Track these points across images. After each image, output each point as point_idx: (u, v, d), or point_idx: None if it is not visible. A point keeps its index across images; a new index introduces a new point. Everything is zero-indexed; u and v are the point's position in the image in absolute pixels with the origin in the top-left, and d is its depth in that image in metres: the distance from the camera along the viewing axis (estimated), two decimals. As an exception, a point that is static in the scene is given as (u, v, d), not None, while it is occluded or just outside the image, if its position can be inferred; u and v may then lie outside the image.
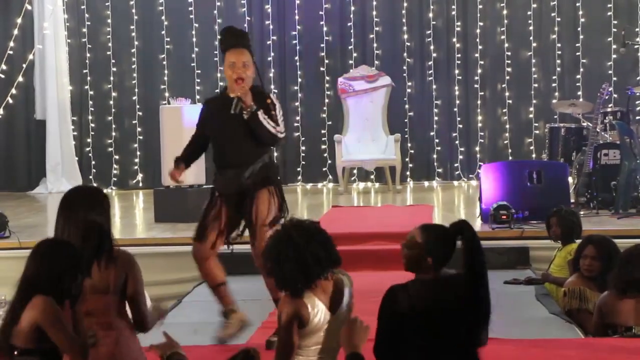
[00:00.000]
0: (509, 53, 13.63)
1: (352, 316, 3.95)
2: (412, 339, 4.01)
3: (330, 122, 13.67)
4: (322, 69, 13.75)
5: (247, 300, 7.52)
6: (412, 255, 4.04)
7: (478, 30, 13.64)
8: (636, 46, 13.16)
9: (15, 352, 3.84)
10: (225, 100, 6.07)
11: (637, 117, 12.78)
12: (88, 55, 13.81)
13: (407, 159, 13.53)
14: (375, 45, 13.71)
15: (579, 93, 13.43)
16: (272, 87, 13.67)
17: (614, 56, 13.40)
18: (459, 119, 13.68)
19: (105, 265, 4.26)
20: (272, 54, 13.73)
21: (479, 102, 13.69)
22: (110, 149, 13.86)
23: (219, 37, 6.38)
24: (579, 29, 13.54)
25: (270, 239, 4.07)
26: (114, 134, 13.86)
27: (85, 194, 4.41)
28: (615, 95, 12.96)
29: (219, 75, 13.68)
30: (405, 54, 13.69)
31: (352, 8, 13.71)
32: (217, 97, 6.39)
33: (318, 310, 3.99)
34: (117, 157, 13.85)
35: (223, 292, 6.24)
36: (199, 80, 13.74)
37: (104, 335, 4.22)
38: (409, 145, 13.62)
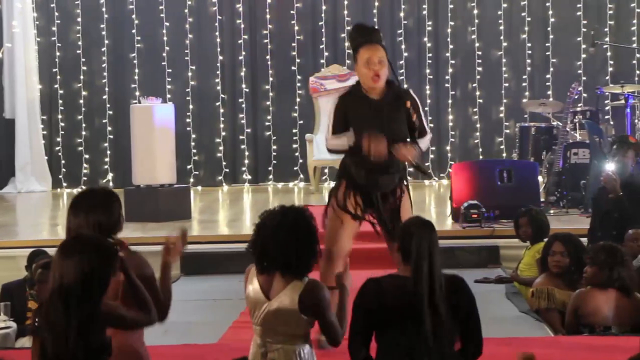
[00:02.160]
0: (480, 52, 13.68)
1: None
2: (383, 334, 4.02)
3: (301, 122, 13.66)
4: (293, 68, 13.75)
5: (218, 300, 7.51)
6: None
7: (449, 30, 13.68)
8: (605, 46, 13.25)
9: None
10: (362, 98, 5.82)
11: (606, 117, 12.85)
12: (58, 53, 13.72)
13: (378, 158, 13.51)
14: (346, 44, 13.70)
15: (549, 92, 13.49)
16: (244, 86, 13.66)
17: (583, 56, 13.48)
18: (430, 118, 13.70)
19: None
20: (243, 52, 13.71)
21: (449, 101, 13.73)
22: (80, 148, 13.78)
23: (349, 35, 6.05)
24: (549, 28, 13.60)
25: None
26: (84, 133, 13.78)
27: (91, 197, 4.24)
28: (585, 95, 13.05)
29: (190, 74, 13.64)
30: (376, 53, 13.67)
31: (324, 7, 13.72)
32: (351, 92, 5.90)
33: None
34: (87, 156, 13.77)
35: None
36: (169, 79, 13.69)
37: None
38: (380, 144, 13.60)
